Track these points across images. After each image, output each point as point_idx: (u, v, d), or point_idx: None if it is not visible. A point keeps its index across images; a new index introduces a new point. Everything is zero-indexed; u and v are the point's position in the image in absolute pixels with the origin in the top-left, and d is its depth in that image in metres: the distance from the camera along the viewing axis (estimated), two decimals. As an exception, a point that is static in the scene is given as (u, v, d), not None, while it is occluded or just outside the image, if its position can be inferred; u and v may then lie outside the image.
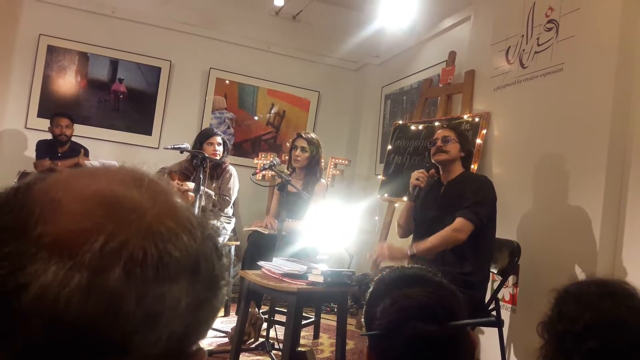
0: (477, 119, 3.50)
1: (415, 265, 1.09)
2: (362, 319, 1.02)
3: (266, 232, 3.66)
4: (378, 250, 2.70)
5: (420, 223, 2.84)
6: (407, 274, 1.03)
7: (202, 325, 0.45)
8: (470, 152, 2.90)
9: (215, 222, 0.48)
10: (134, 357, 0.38)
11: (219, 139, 3.98)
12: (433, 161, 2.81)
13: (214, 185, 4.00)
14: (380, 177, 4.44)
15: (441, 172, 2.82)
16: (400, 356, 0.91)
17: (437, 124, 3.76)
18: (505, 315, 2.99)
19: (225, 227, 4.03)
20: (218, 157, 3.92)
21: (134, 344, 0.38)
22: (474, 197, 2.62)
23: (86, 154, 4.57)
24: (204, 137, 4.02)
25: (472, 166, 3.37)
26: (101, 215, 0.39)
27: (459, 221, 2.57)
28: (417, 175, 2.80)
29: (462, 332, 0.95)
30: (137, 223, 0.40)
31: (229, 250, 4.04)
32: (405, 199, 2.91)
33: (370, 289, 1.04)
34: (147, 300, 0.38)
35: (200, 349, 0.46)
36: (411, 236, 2.91)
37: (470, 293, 2.43)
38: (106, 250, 0.37)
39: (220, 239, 0.48)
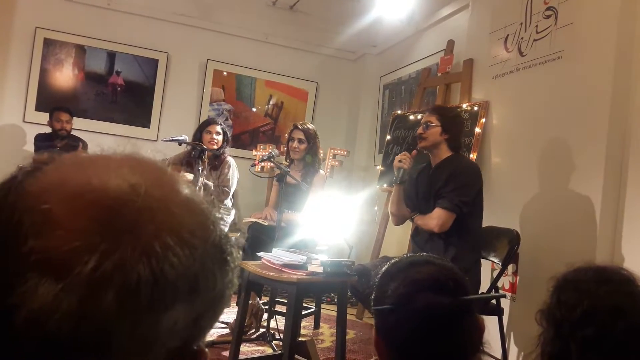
0: (475, 108, 3.49)
1: (423, 254, 1.12)
2: (371, 300, 1.03)
3: (266, 224, 3.66)
4: None
5: (413, 206, 2.88)
6: (416, 259, 1.06)
7: (203, 331, 0.44)
8: (455, 134, 2.78)
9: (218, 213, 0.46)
10: None
11: (218, 128, 3.93)
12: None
13: (213, 176, 3.99)
14: (379, 167, 4.43)
15: (430, 157, 2.83)
16: (408, 333, 0.92)
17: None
18: (505, 303, 2.99)
19: (224, 219, 4.03)
20: (216, 147, 3.89)
21: None
22: (454, 184, 2.63)
23: (84, 147, 4.56)
24: (203, 125, 3.99)
25: (471, 155, 3.37)
26: (95, 232, 0.37)
27: (435, 211, 2.64)
28: (400, 158, 2.80)
29: (470, 315, 0.96)
30: (133, 243, 0.37)
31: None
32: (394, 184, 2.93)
33: (382, 271, 1.05)
34: (140, 329, 0.37)
35: (201, 350, 0.45)
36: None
37: None
38: (98, 273, 0.35)
39: (225, 229, 0.46)
